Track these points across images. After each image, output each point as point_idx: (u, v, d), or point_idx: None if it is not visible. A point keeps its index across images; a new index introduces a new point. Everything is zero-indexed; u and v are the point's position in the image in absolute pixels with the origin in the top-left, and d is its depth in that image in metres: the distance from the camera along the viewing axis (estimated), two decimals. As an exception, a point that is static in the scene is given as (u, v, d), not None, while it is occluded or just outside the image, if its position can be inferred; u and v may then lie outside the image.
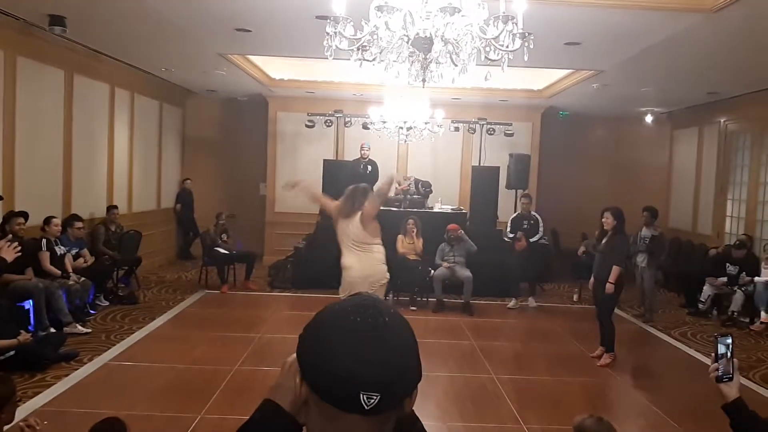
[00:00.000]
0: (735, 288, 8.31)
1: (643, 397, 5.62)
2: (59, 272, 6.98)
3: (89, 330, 6.74)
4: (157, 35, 7.28)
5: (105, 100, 9.10)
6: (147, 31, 7.11)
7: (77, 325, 6.66)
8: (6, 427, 2.92)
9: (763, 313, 7.79)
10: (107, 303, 7.97)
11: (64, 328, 6.50)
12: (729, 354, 1.85)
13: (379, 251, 5.55)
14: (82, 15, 6.37)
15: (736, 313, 8.20)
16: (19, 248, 3.79)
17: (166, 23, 6.64)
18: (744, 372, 6.03)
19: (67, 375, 5.42)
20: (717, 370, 1.85)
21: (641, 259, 8.51)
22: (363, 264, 5.44)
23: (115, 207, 8.92)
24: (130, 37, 7.44)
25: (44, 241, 6.94)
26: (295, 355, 1.02)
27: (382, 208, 9.81)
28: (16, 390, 3.07)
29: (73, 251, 7.52)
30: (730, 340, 1.87)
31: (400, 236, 9.10)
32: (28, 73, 7.12)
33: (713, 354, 1.87)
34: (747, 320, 8.12)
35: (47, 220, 7.07)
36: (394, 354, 0.95)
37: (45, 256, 6.89)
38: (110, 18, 6.57)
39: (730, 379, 1.85)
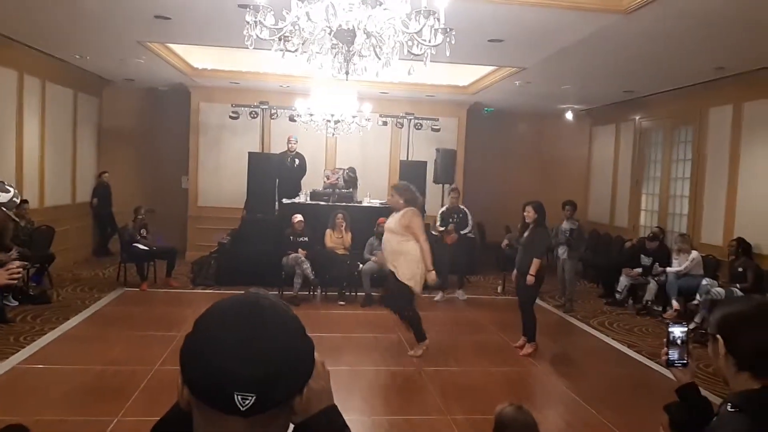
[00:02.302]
0: (649, 278, 8.72)
1: (562, 385, 5.81)
2: None
3: (-4, 332, 6.37)
4: (71, 20, 6.91)
5: (12, 88, 8.56)
6: (58, 15, 6.73)
7: (-18, 327, 6.27)
8: None
9: (674, 302, 8.21)
10: (16, 303, 7.52)
11: (-33, 331, 6.10)
12: (683, 341, 1.92)
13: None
14: (-15, -4, 5.98)
15: (650, 302, 8.60)
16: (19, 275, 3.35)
17: (80, 7, 6.31)
18: (657, 357, 6.34)
19: (-31, 381, 5.09)
20: (667, 354, 1.92)
21: (562, 251, 8.80)
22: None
23: (26, 201, 8.42)
24: (39, 20, 7.01)
25: None
26: None
27: (309, 201, 9.86)
28: None
29: (-23, 248, 7.06)
30: (683, 328, 1.94)
31: (328, 230, 9.05)
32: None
33: (665, 340, 1.94)
34: (660, 308, 8.53)
35: None
36: (271, 352, 0.91)
37: None
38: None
39: (684, 364, 1.91)
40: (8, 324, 6.70)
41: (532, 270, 6.35)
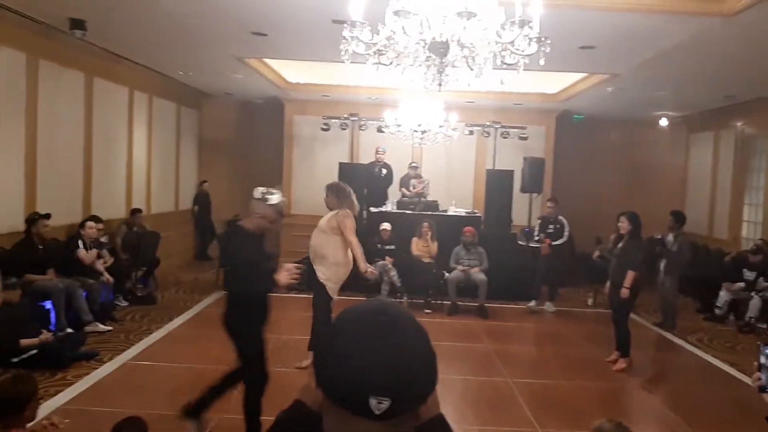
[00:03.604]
0: (752, 293, 8.24)
1: (659, 402, 5.60)
2: (101, 269, 7.36)
3: (110, 328, 6.87)
4: (175, 39, 7.39)
5: (124, 103, 9.23)
6: (165, 35, 7.21)
7: (98, 323, 6.77)
8: (29, 425, 2.98)
9: (781, 319, 7.73)
10: (126, 303, 8.07)
11: (85, 327, 6.60)
12: None
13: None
14: (102, 19, 6.49)
15: (753, 319, 8.12)
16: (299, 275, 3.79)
17: (183, 27, 6.75)
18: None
19: (87, 374, 5.50)
20: (759, 379, 1.79)
21: (663, 265, 8.39)
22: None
23: (140, 210, 9.07)
24: (148, 40, 7.55)
25: (81, 242, 7.24)
26: None
27: (396, 210, 9.97)
28: (38, 388, 3.12)
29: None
30: None
31: (414, 239, 9.14)
32: (49, 76, 7.26)
33: (756, 363, 1.80)
34: (765, 326, 8.04)
35: (82, 224, 7.39)
36: (405, 358, 0.94)
37: (83, 254, 7.22)
38: (129, 22, 6.69)
39: None
40: (118, 323, 7.20)
41: (627, 282, 6.16)
